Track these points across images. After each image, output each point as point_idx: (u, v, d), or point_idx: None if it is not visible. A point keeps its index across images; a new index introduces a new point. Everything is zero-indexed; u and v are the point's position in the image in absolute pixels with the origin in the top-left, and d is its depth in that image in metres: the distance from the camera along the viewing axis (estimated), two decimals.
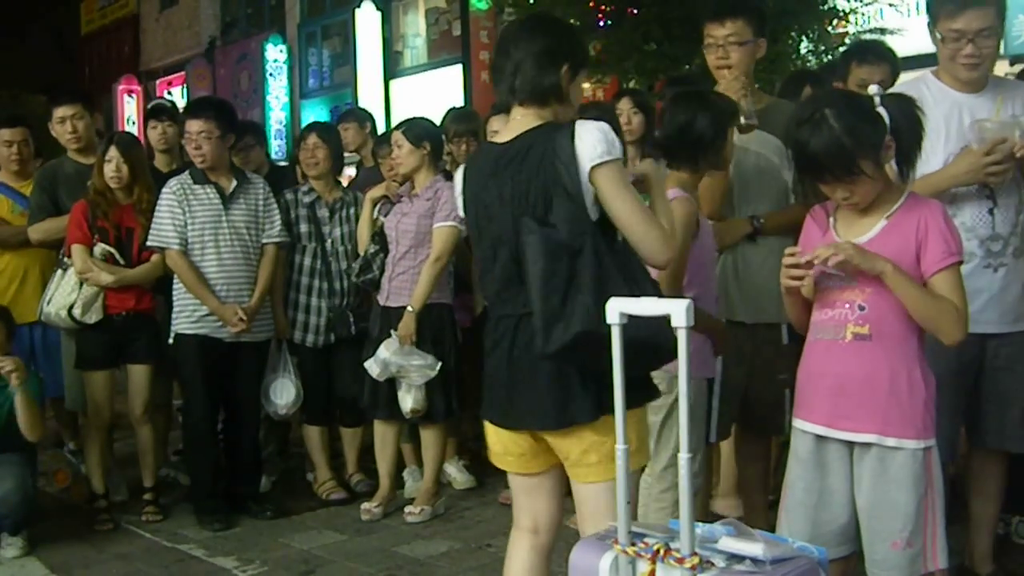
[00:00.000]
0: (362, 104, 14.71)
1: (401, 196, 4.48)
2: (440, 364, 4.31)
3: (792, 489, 2.64)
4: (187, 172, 4.52)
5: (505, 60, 2.57)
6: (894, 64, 4.20)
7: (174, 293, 4.49)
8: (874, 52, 4.24)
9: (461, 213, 2.79)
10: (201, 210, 4.42)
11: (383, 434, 4.56)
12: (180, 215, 4.39)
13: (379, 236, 4.54)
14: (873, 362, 2.48)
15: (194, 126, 4.43)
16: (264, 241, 4.54)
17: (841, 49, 6.05)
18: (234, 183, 4.51)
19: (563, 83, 2.55)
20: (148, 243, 4.43)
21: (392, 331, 4.30)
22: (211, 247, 4.41)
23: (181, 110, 5.20)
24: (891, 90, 2.81)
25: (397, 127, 4.55)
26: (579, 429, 2.43)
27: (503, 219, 2.51)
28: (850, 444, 2.54)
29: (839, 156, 2.41)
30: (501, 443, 2.62)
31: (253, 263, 4.51)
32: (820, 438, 2.57)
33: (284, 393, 4.65)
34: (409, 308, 4.30)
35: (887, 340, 2.47)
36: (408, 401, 4.33)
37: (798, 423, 2.63)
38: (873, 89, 2.56)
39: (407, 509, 4.46)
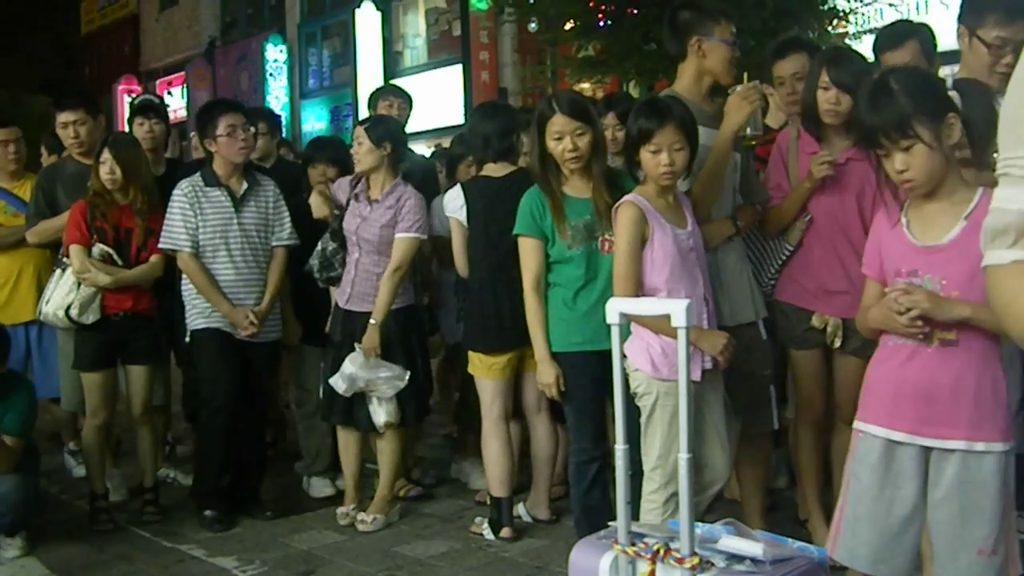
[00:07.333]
0: (362, 105, 14.69)
1: (358, 195, 4.38)
2: (409, 374, 4.25)
3: (858, 501, 2.54)
4: (198, 174, 4.50)
5: (483, 131, 4.19)
6: (813, 52, 3.95)
7: (184, 293, 4.48)
8: (790, 44, 4.05)
9: (463, 218, 4.17)
10: (213, 213, 4.40)
11: (345, 440, 4.46)
12: (191, 217, 4.38)
13: (337, 234, 4.44)
14: (961, 367, 2.42)
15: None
16: (274, 244, 4.53)
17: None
18: (245, 185, 4.49)
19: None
20: (160, 245, 4.41)
21: (356, 344, 4.23)
22: (222, 250, 4.40)
23: (173, 109, 5.19)
24: None
25: (362, 122, 4.50)
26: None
27: (508, 220, 3.77)
28: (927, 451, 2.46)
29: (893, 113, 2.39)
30: (494, 362, 4.06)
31: (263, 266, 4.50)
32: (890, 444, 2.49)
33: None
34: (372, 321, 4.22)
35: (974, 344, 2.41)
36: (381, 415, 4.25)
37: (867, 427, 2.54)
38: (945, 71, 2.54)
39: (359, 517, 4.37)
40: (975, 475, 2.40)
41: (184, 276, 4.48)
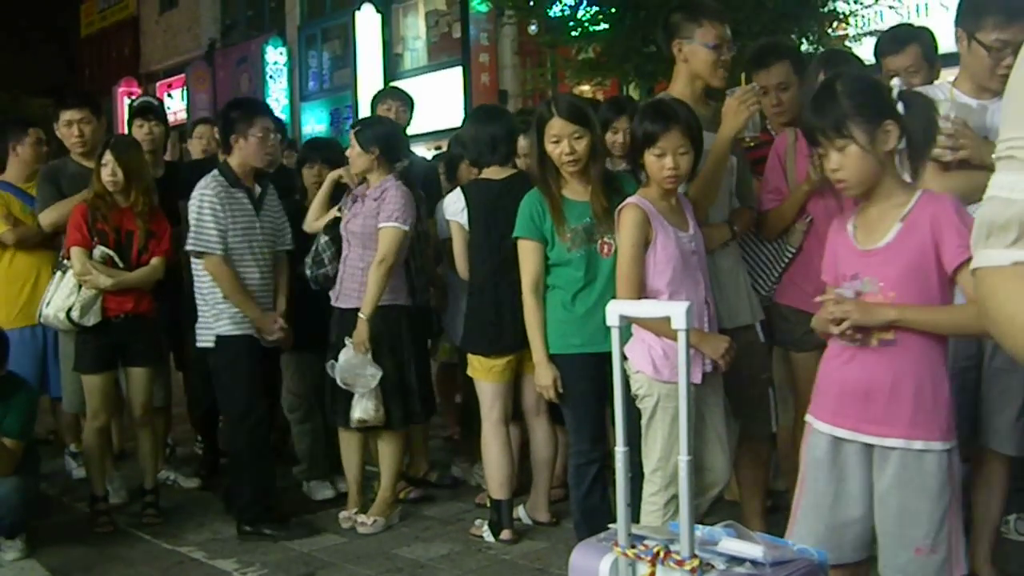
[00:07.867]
0: (362, 107, 14.71)
1: (357, 196, 4.41)
2: (380, 374, 4.20)
3: (808, 491, 2.60)
4: (217, 173, 4.39)
5: (487, 134, 4.19)
6: (796, 59, 4.03)
7: (207, 296, 4.32)
8: (771, 52, 4.03)
9: (463, 221, 4.22)
10: (241, 215, 4.34)
11: (347, 442, 4.45)
12: (223, 219, 4.27)
13: (331, 228, 4.46)
14: (899, 366, 2.45)
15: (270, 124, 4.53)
16: (279, 249, 4.52)
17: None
18: (259, 188, 4.46)
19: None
20: (188, 247, 4.31)
21: (347, 337, 4.23)
22: (248, 253, 4.33)
23: (172, 112, 5.21)
24: None
25: (353, 125, 4.57)
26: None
27: (508, 222, 3.77)
28: (870, 447, 2.50)
29: (833, 113, 2.46)
30: (493, 364, 4.09)
31: (273, 270, 4.48)
32: (836, 440, 2.54)
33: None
34: (360, 315, 4.20)
35: (912, 344, 2.45)
36: (357, 410, 4.23)
37: (816, 423, 2.60)
38: (895, 82, 2.57)
39: (359, 519, 4.37)
40: (914, 474, 2.43)
41: (202, 279, 4.33)
